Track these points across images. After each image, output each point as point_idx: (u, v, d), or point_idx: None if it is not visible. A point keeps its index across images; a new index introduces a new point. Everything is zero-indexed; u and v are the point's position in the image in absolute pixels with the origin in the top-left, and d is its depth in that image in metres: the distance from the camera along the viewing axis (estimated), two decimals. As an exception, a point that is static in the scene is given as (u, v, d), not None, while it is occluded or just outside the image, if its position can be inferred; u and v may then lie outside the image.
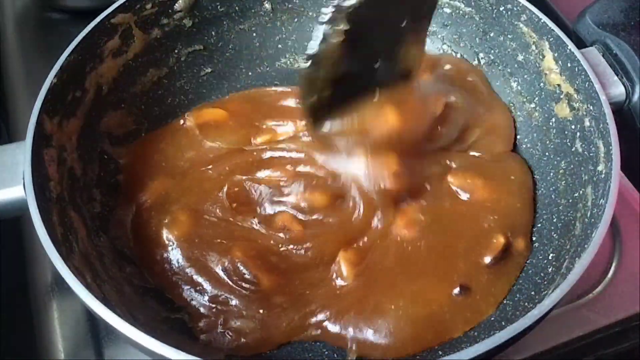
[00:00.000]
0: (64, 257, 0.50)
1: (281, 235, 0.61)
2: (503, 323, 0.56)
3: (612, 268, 0.65)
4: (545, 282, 0.57)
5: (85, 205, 0.62)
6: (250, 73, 0.77)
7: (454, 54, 0.75)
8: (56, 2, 0.92)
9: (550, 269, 0.58)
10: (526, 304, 0.57)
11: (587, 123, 0.61)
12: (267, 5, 0.77)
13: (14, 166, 0.56)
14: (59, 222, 0.55)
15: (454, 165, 0.65)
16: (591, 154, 0.60)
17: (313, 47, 0.54)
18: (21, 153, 0.56)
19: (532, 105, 0.69)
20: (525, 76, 0.69)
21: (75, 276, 0.49)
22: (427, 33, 0.63)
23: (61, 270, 0.49)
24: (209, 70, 0.76)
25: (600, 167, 0.58)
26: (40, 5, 0.93)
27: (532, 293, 0.57)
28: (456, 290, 0.58)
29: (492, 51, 0.72)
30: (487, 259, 0.60)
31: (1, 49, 0.90)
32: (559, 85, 0.65)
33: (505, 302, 0.59)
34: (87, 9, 0.86)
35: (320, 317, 0.57)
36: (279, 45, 0.79)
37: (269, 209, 0.63)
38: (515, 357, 0.61)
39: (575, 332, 0.62)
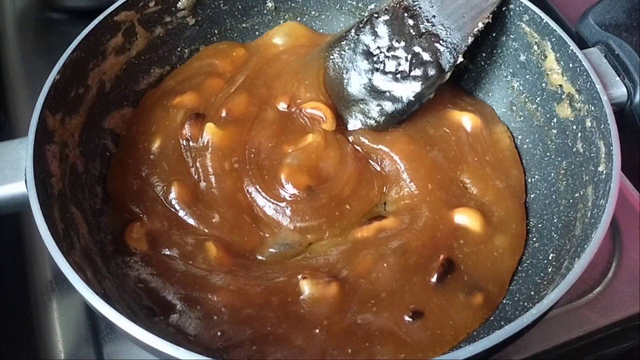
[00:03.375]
0: (64, 252, 0.50)
1: None
2: (502, 323, 0.56)
3: (612, 268, 0.65)
4: (545, 282, 0.57)
5: (87, 202, 0.62)
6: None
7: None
8: (56, 2, 0.92)
9: (550, 269, 0.58)
10: (525, 303, 0.57)
11: (588, 123, 0.61)
12: (270, 4, 0.77)
13: (17, 162, 0.57)
14: (60, 218, 0.55)
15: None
16: (592, 155, 0.60)
17: None
18: (23, 149, 0.57)
19: (534, 105, 0.69)
20: (527, 76, 0.69)
21: (75, 272, 0.49)
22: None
23: (62, 266, 0.50)
24: (211, 68, 0.77)
25: (601, 168, 0.58)
26: (40, 5, 0.94)
27: (532, 293, 0.57)
28: (408, 317, 0.56)
29: (494, 51, 0.72)
30: (434, 279, 0.58)
31: (1, 49, 0.90)
32: (560, 85, 0.65)
33: (504, 302, 0.59)
34: (87, 9, 0.87)
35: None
36: (282, 44, 0.79)
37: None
38: (515, 357, 0.61)
39: (575, 332, 0.62)
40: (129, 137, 0.68)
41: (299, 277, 0.57)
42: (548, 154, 0.66)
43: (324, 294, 0.56)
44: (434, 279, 0.58)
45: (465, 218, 0.62)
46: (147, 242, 0.61)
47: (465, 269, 0.59)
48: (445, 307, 0.56)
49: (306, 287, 0.57)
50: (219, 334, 0.55)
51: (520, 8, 0.68)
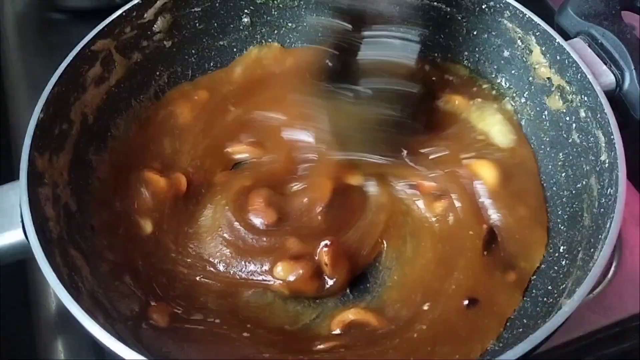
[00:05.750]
0: (75, 299, 0.48)
1: None
2: (525, 320, 0.56)
3: (612, 268, 0.65)
4: (562, 275, 0.57)
5: (85, 242, 0.59)
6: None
7: (436, 54, 0.75)
8: (56, 2, 0.90)
9: (564, 262, 0.58)
10: (544, 298, 0.57)
11: (582, 114, 0.62)
12: (246, 20, 0.76)
13: (10, 208, 0.54)
14: (62, 263, 0.53)
15: None
16: (590, 144, 0.60)
17: None
18: (15, 194, 0.54)
19: (523, 99, 0.69)
20: (513, 72, 0.70)
21: (90, 317, 0.47)
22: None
23: (76, 314, 0.47)
24: (190, 89, 0.74)
25: (602, 157, 0.58)
26: (40, 6, 0.92)
27: (549, 287, 0.57)
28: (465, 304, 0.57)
29: (477, 49, 0.72)
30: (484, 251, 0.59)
31: (1, 49, 0.88)
32: (549, 78, 0.66)
33: (523, 299, 0.59)
34: (87, 9, 0.85)
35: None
36: (260, 59, 0.77)
37: None
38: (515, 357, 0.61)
39: (575, 332, 0.62)
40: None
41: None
42: (543, 146, 0.67)
43: (363, 320, 0.56)
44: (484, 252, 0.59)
45: (481, 167, 0.64)
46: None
47: (501, 241, 0.60)
48: (490, 287, 0.57)
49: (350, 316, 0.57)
50: None
51: (501, 4, 0.68)
